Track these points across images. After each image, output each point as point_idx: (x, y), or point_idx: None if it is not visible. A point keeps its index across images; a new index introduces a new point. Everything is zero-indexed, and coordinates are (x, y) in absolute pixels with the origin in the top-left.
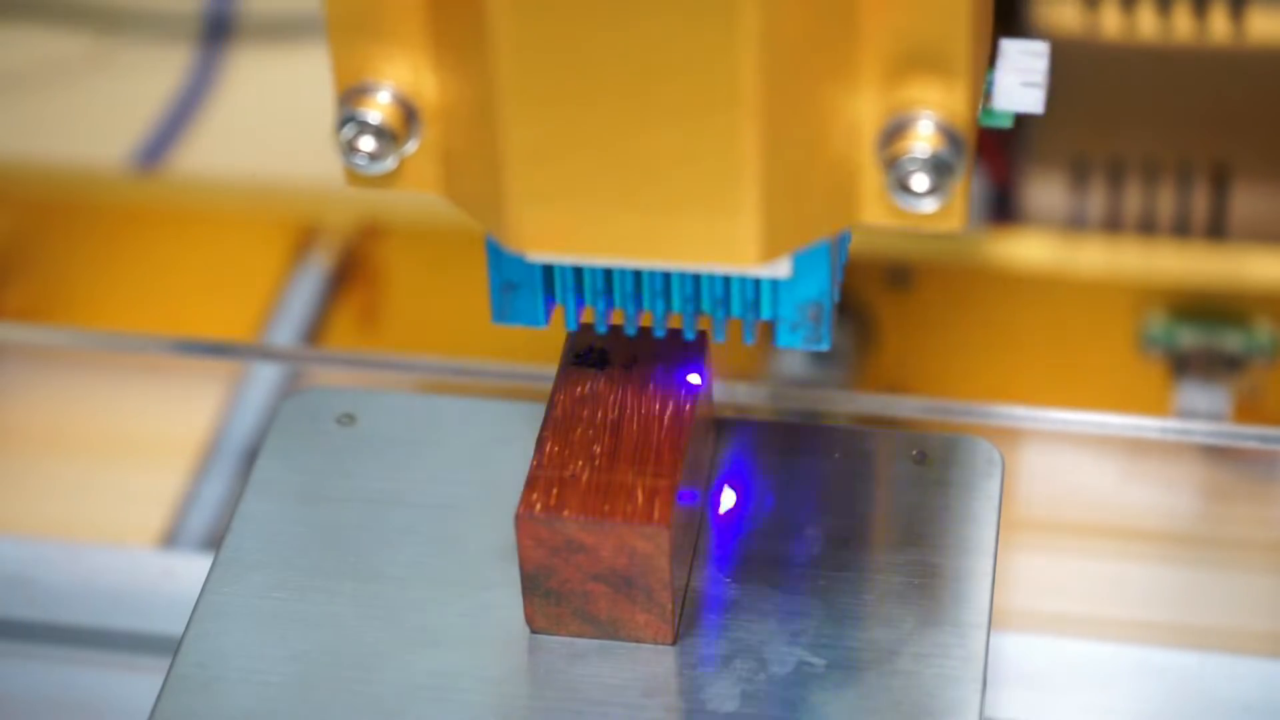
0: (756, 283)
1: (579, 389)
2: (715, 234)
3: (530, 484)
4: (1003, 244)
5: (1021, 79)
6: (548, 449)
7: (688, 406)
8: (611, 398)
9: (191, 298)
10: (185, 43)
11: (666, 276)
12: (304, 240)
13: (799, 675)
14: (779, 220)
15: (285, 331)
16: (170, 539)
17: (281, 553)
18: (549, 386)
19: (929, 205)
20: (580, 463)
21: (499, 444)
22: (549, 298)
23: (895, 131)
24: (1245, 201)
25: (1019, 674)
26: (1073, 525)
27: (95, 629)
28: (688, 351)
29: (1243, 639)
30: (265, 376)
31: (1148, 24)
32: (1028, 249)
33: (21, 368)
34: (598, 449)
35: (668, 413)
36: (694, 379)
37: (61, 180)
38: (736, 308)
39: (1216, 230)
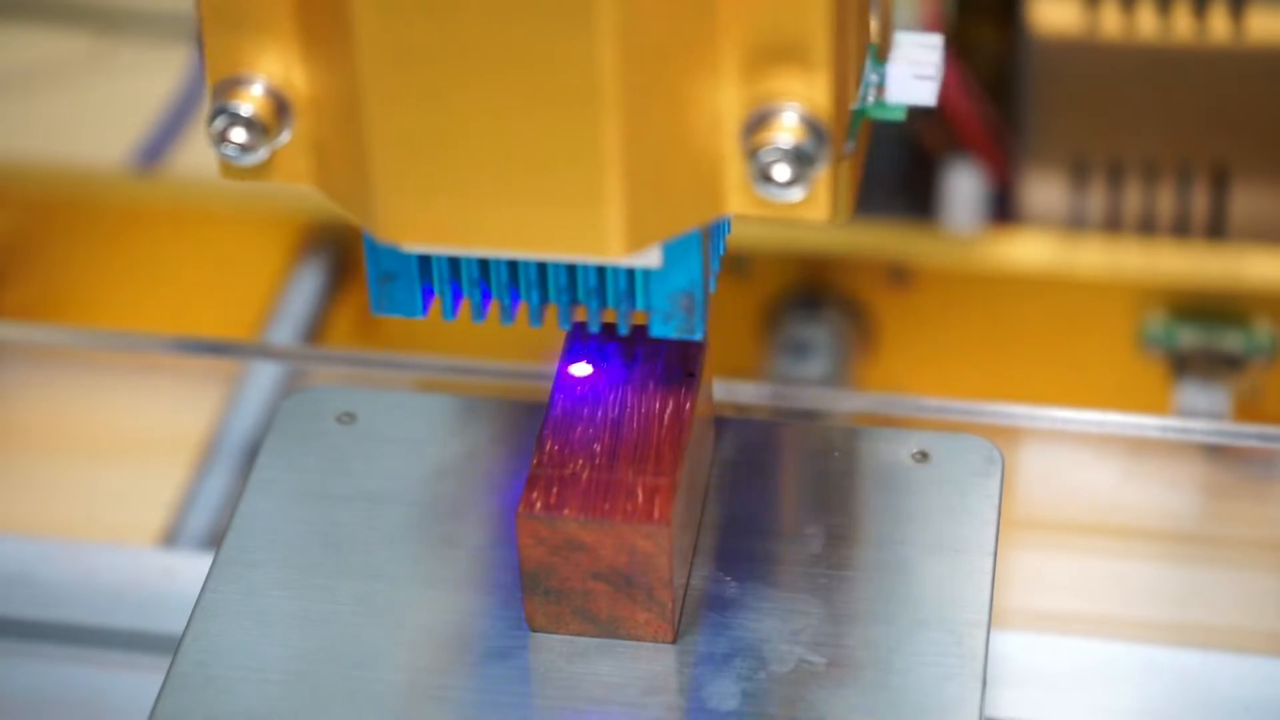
0: (629, 273)
1: (579, 388)
2: (580, 225)
3: (530, 482)
4: (1003, 244)
5: (914, 71)
6: (548, 447)
7: (687, 405)
8: (611, 396)
9: (191, 297)
10: (185, 43)
11: (542, 267)
12: (304, 240)
13: (799, 674)
14: (644, 211)
15: (285, 331)
16: (170, 538)
17: (282, 551)
18: (549, 386)
19: (792, 195)
20: (580, 461)
21: (499, 443)
22: (427, 288)
23: (758, 122)
24: (1245, 201)
25: (1019, 673)
26: (1073, 524)
27: (96, 627)
28: (686, 350)
29: (1243, 637)
30: (265, 376)
31: (1148, 24)
32: (1028, 249)
33: (21, 368)
34: (598, 448)
35: (667, 411)
36: (692, 377)
37: (61, 180)
38: (610, 298)
39: (1216, 230)
